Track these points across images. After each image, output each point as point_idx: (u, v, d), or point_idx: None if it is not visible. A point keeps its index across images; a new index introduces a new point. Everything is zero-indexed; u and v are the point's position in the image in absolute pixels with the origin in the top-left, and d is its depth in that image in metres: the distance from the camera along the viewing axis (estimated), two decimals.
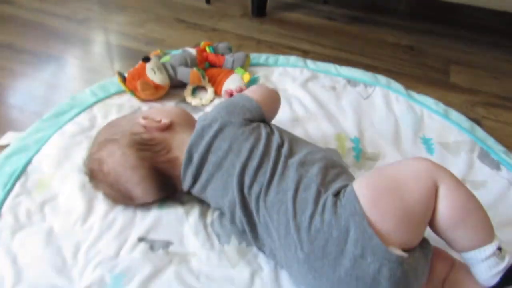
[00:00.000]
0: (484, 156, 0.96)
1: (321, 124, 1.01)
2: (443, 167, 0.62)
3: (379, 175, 0.63)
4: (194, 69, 1.04)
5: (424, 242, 0.61)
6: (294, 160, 0.66)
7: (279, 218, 0.61)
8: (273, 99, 0.83)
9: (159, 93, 1.03)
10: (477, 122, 1.11)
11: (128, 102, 1.02)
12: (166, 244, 0.72)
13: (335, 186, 0.63)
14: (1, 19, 1.52)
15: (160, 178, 0.73)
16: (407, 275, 0.55)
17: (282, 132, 0.74)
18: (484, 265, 0.58)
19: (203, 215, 0.77)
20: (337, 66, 1.24)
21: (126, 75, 1.04)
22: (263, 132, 0.71)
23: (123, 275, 0.67)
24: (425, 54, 1.48)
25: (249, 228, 0.66)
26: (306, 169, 0.65)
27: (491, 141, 1.02)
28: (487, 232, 0.58)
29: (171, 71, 1.04)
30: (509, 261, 0.58)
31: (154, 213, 0.77)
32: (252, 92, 0.79)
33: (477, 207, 0.59)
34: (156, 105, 1.03)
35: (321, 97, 1.10)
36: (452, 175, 0.60)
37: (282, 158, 0.67)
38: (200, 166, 0.70)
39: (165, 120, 0.76)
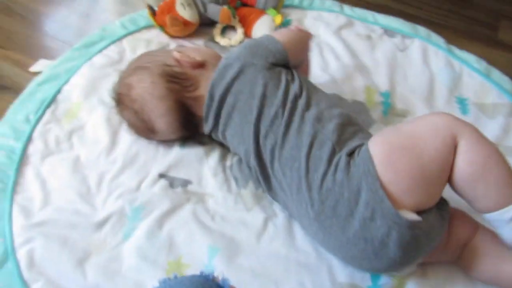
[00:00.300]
0: None
1: (351, 74, 0.97)
2: (464, 121, 0.58)
3: (395, 132, 0.61)
4: (225, 7, 1.00)
5: (442, 202, 0.60)
6: (310, 114, 0.64)
7: (291, 174, 0.61)
8: (302, 45, 0.80)
9: (188, 30, 1.00)
10: None
11: (156, 38, 1.01)
12: (185, 183, 0.74)
13: (351, 145, 0.61)
14: None
15: (184, 114, 0.73)
16: (417, 239, 0.55)
17: (302, 81, 0.71)
18: (509, 226, 0.55)
19: (223, 158, 0.78)
20: (375, 14, 1.17)
21: (156, 9, 1.01)
22: (283, 79, 0.69)
23: (142, 208, 0.70)
24: (475, 5, 1.36)
25: (262, 178, 0.67)
26: (322, 125, 0.63)
27: None
28: (511, 190, 0.54)
29: (201, 8, 1.01)
30: None
31: (175, 151, 0.78)
32: (280, 35, 0.75)
33: (500, 163, 0.55)
34: (185, 43, 1.01)
35: (354, 46, 1.05)
36: (474, 129, 0.57)
37: (299, 111, 0.65)
38: (220, 106, 0.70)
39: (198, 58, 0.75)
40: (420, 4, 1.33)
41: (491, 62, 1.09)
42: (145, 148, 0.78)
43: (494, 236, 0.60)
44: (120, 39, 0.99)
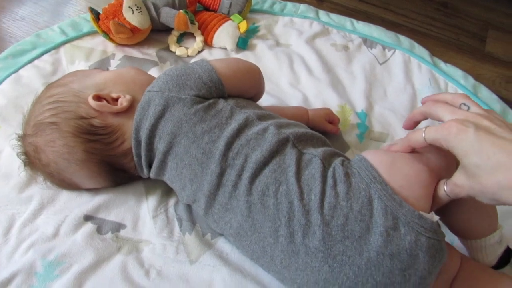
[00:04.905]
0: None
1: (324, 90, 0.86)
2: None
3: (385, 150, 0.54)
4: (181, 11, 0.87)
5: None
6: (281, 133, 0.54)
7: (277, 201, 0.49)
8: (247, 77, 0.64)
9: (137, 38, 0.87)
10: (510, 103, 0.95)
11: (99, 46, 0.87)
12: (117, 227, 0.61)
13: (337, 157, 0.54)
14: None
15: (112, 172, 0.60)
16: (442, 245, 0.48)
17: (243, 106, 0.59)
18: (493, 248, 0.56)
19: (167, 194, 0.65)
20: (354, 21, 1.05)
21: (100, 12, 0.87)
22: (222, 106, 0.56)
23: (58, 262, 0.56)
24: (461, 13, 1.26)
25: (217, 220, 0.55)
26: (302, 144, 0.55)
27: None
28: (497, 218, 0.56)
29: (153, 12, 0.87)
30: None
31: (108, 188, 0.64)
32: (219, 62, 0.61)
33: None
34: (134, 52, 0.87)
35: (329, 58, 0.94)
36: None
37: (264, 131, 0.54)
38: (149, 153, 0.56)
39: (124, 100, 0.58)
40: (403, 11, 1.22)
41: (478, 76, 0.99)
42: None
43: (476, 264, 0.57)
44: (57, 47, 0.85)
